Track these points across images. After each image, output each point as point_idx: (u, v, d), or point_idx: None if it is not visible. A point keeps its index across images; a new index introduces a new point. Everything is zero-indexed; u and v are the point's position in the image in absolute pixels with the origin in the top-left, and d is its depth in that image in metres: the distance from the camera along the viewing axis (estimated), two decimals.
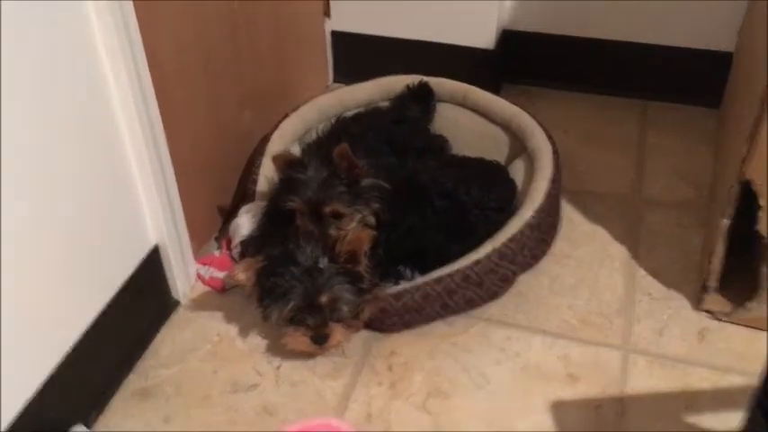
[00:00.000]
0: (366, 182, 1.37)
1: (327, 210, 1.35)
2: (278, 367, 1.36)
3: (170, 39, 1.35)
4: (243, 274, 1.30)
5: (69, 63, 1.12)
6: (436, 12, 1.89)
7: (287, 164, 1.38)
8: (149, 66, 1.24)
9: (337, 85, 1.94)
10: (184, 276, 1.46)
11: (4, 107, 0.99)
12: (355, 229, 1.33)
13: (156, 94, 1.27)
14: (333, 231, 1.35)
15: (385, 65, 1.81)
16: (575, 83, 2.00)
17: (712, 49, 1.85)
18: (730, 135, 1.53)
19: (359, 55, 2.01)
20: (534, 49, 1.99)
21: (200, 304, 1.48)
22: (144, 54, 1.23)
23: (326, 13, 1.99)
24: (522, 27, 1.96)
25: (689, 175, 1.74)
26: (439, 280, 1.34)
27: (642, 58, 1.92)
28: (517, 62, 1.99)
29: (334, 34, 2.02)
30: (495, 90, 1.74)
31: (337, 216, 1.36)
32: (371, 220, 1.39)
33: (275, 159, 1.39)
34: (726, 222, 1.30)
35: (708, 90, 1.88)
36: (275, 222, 1.43)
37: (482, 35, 1.90)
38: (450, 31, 1.92)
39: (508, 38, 1.96)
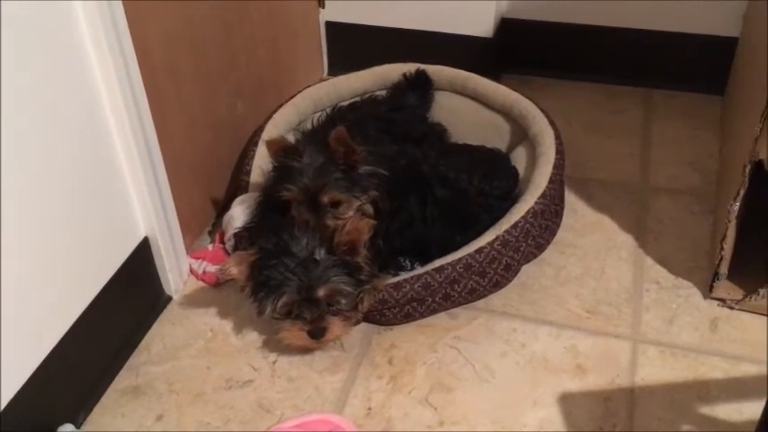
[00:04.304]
0: (364, 169, 1.33)
1: (325, 198, 1.30)
2: (274, 362, 1.31)
3: (159, 32, 1.33)
4: (235, 268, 1.26)
5: (55, 58, 1.09)
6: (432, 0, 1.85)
7: (281, 150, 1.33)
8: (138, 60, 1.22)
9: (332, 77, 1.89)
10: (176, 271, 1.42)
11: None
12: (354, 219, 1.29)
13: (146, 87, 1.25)
14: (330, 221, 1.31)
15: (381, 56, 1.76)
16: (576, 72, 1.96)
17: (716, 34, 1.81)
18: (739, 119, 1.49)
19: (354, 46, 1.97)
20: (534, 38, 1.95)
21: (192, 300, 1.43)
22: (132, 48, 1.20)
23: (321, 4, 1.95)
24: (521, 15, 1.92)
25: (695, 162, 1.70)
26: (440, 269, 1.30)
27: (645, 44, 1.88)
28: (516, 51, 1.95)
29: (329, 25, 1.99)
30: (495, 80, 1.70)
31: (335, 204, 1.31)
32: (369, 209, 1.35)
33: (269, 144, 1.34)
34: (737, 206, 1.26)
35: (712, 76, 1.85)
36: (270, 213, 1.38)
37: (480, 23, 1.86)
38: (446, 20, 1.88)
39: (507, 26, 1.92)
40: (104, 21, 1.13)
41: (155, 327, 1.37)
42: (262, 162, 1.50)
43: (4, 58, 0.98)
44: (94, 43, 1.14)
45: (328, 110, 1.65)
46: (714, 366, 1.26)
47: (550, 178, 1.39)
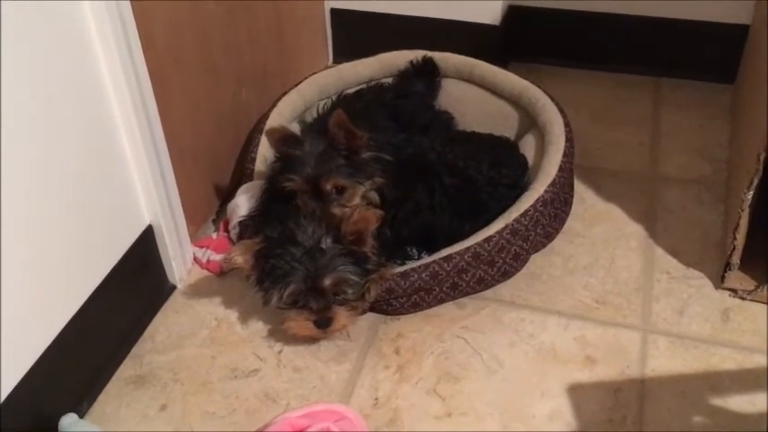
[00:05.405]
0: (367, 154, 1.31)
1: (328, 185, 1.28)
2: (279, 352, 1.29)
3: (164, 20, 1.31)
4: (240, 257, 1.24)
5: (59, 46, 1.07)
6: None
7: (282, 139, 1.31)
8: (143, 47, 1.20)
9: (337, 64, 1.87)
10: (180, 259, 1.40)
11: None
12: (361, 209, 1.27)
13: (151, 74, 1.23)
14: (336, 209, 1.29)
15: (386, 43, 1.74)
16: (584, 60, 1.94)
17: (727, 22, 1.78)
18: (750, 107, 1.47)
19: (359, 33, 1.94)
20: (542, 25, 1.92)
21: (197, 288, 1.41)
22: (137, 36, 1.19)
23: None
24: (528, 2, 1.89)
25: (705, 151, 1.68)
26: (448, 258, 1.28)
27: (654, 32, 1.86)
28: (524, 39, 1.93)
29: (334, 12, 1.96)
30: (502, 68, 1.68)
31: (340, 190, 1.29)
32: (375, 197, 1.33)
33: (269, 133, 1.32)
34: (750, 195, 1.24)
35: (722, 64, 1.83)
36: (274, 202, 1.36)
37: (487, 11, 1.84)
38: (453, 7, 1.85)
39: (515, 13, 1.90)
40: (109, 9, 1.11)
41: (159, 316, 1.36)
42: (266, 150, 1.48)
43: (8, 47, 0.96)
44: (99, 31, 1.12)
45: (334, 97, 1.63)
46: (725, 357, 1.25)
47: (560, 166, 1.37)
